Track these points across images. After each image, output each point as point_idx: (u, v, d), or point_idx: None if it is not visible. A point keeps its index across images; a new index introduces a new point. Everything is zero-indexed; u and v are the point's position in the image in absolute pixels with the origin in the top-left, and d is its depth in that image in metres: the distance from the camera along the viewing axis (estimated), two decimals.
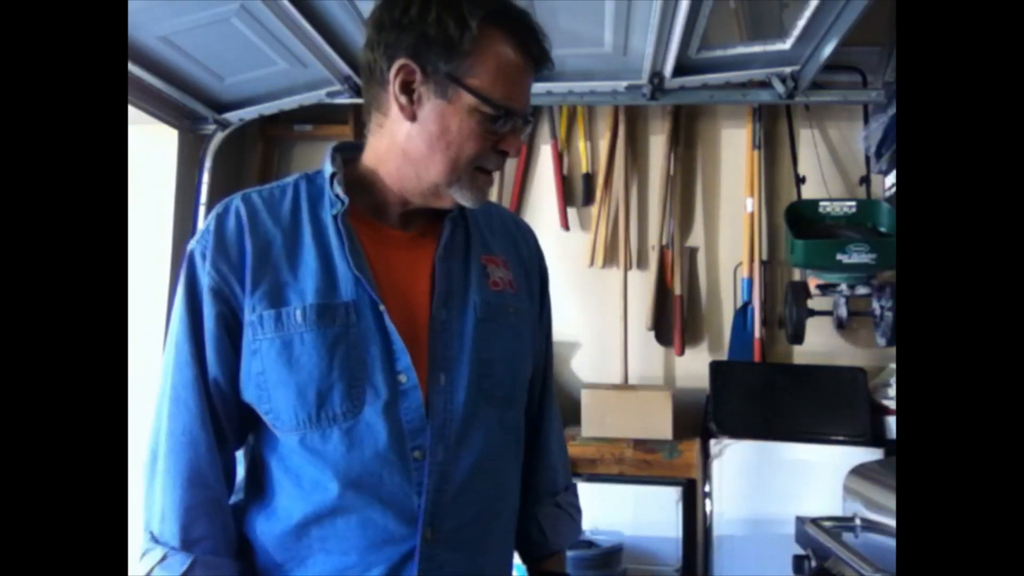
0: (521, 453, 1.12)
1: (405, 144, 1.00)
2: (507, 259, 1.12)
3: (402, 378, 0.97)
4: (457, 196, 1.01)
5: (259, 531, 0.99)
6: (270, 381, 0.96)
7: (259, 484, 1.01)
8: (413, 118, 0.99)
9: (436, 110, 0.98)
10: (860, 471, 1.97)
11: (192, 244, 1.02)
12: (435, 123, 0.98)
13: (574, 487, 1.24)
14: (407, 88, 0.98)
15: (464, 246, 1.07)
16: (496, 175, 1.14)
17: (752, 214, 2.92)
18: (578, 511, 1.22)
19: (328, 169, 1.03)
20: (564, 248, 3.01)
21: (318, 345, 0.95)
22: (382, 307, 0.97)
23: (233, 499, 1.03)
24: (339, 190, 1.01)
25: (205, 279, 0.98)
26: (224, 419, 0.99)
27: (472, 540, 1.00)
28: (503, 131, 0.98)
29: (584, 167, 3.08)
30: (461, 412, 0.99)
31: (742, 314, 2.91)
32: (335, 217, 1.00)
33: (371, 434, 0.95)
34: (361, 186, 1.04)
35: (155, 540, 0.96)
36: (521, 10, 1.00)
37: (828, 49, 2.19)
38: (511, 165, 3.09)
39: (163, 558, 0.94)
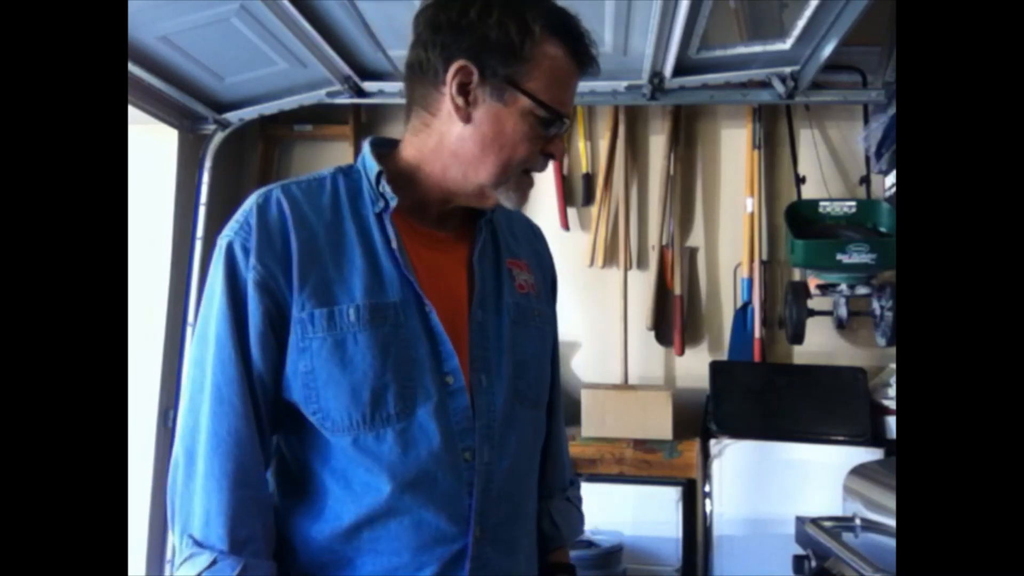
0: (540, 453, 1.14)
1: (456, 145, 1.00)
2: (528, 262, 1.14)
3: (449, 379, 0.98)
4: (502, 198, 1.02)
5: (304, 534, 0.98)
6: (320, 380, 0.95)
7: (301, 487, 0.99)
8: (468, 119, 0.99)
9: (491, 112, 0.98)
10: (860, 471, 1.97)
11: (228, 236, 0.97)
12: (489, 125, 0.98)
13: (578, 481, 1.27)
14: (464, 89, 0.98)
15: (493, 248, 1.09)
16: None
17: (752, 214, 2.92)
18: (582, 503, 1.25)
19: (373, 167, 1.02)
20: (564, 248, 2.98)
21: (371, 345, 0.95)
22: (428, 308, 0.98)
23: None
24: (387, 189, 1.00)
25: (250, 273, 0.95)
26: (266, 419, 0.97)
27: (508, 538, 1.02)
28: (551, 134, 1.01)
29: (584, 167, 3.08)
30: (501, 413, 1.01)
31: (742, 314, 2.91)
32: (378, 215, 1.00)
33: (425, 435, 0.95)
34: (400, 184, 1.02)
35: (198, 544, 0.91)
36: (573, 17, 1.02)
37: (828, 49, 2.19)
38: None
39: (213, 563, 0.90)
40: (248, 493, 0.94)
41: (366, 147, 1.05)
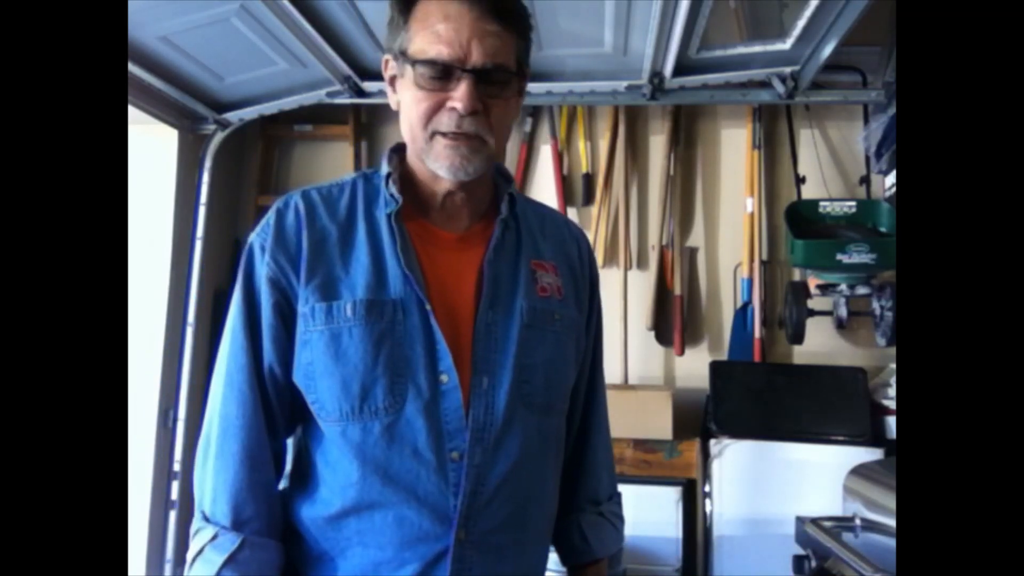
0: (560, 462, 1.12)
1: (403, 133, 1.05)
2: (557, 264, 1.11)
3: (444, 378, 0.98)
4: (434, 169, 1.01)
5: (303, 518, 1.01)
6: (317, 371, 0.98)
7: (303, 472, 1.03)
8: (398, 106, 1.05)
9: (400, 90, 1.03)
10: (860, 471, 1.97)
11: (252, 236, 1.05)
12: (401, 102, 1.03)
13: (619, 496, 1.23)
14: (392, 81, 1.05)
15: (514, 249, 1.08)
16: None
17: (752, 214, 2.92)
18: (621, 520, 1.22)
19: (384, 169, 1.06)
20: None
21: (365, 339, 0.97)
22: (428, 306, 0.99)
23: (280, 485, 1.05)
24: (393, 189, 1.03)
25: (263, 269, 1.01)
26: (276, 406, 1.02)
27: (503, 544, 1.00)
28: (447, 88, 0.97)
29: (584, 167, 3.08)
30: (500, 416, 0.99)
31: (742, 314, 2.91)
32: (388, 216, 1.03)
33: (411, 431, 0.97)
34: (408, 185, 1.06)
35: (207, 519, 0.98)
36: None
37: (828, 49, 2.19)
38: (511, 165, 3.09)
39: (214, 537, 0.96)
40: (253, 475, 0.99)
41: (386, 151, 1.10)
